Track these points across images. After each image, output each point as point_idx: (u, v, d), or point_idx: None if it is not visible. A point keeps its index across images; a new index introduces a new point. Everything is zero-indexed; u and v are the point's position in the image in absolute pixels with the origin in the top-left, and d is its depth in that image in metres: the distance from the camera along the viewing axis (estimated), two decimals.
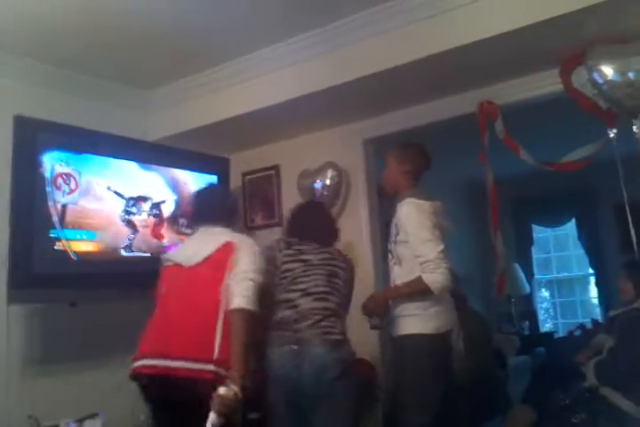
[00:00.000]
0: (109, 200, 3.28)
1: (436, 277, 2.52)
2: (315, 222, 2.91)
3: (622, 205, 3.11)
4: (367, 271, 3.72)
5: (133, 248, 3.36)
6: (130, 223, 3.37)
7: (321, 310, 2.60)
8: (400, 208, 2.71)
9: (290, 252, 2.72)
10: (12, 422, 2.93)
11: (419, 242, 2.58)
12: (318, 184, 3.88)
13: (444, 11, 2.85)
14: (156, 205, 3.52)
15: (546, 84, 3.16)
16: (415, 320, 2.59)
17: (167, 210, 3.56)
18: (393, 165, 2.88)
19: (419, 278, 2.53)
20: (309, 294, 2.62)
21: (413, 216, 2.65)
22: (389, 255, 2.79)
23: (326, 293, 2.66)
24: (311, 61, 3.30)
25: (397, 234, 2.70)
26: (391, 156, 2.90)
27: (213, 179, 3.81)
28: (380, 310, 2.73)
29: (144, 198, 3.46)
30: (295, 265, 2.69)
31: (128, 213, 3.35)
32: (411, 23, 2.95)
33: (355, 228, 3.79)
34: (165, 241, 3.52)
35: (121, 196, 3.33)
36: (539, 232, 7.18)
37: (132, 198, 3.39)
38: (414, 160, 2.85)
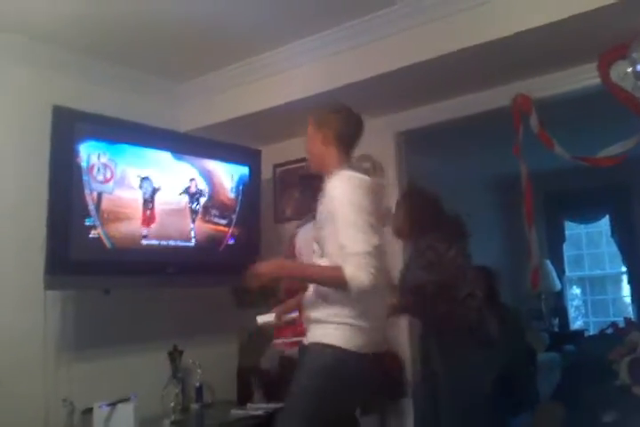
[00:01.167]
0: (139, 190, 3.33)
1: (360, 276, 1.98)
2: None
3: None
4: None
5: (165, 237, 3.40)
6: (164, 212, 3.42)
7: None
8: (328, 183, 2.19)
9: None
10: (47, 405, 3.00)
11: (346, 227, 2.05)
12: None
13: (479, 3, 2.82)
14: (192, 196, 3.56)
15: (582, 78, 3.12)
16: (342, 330, 2.11)
17: (201, 200, 3.60)
18: (313, 132, 2.34)
19: (339, 268, 2.00)
20: None
21: (344, 192, 2.12)
22: (314, 246, 2.28)
23: None
24: (340, 55, 3.30)
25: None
26: (312, 120, 2.37)
27: (245, 170, 3.84)
28: (264, 282, 2.17)
29: (183, 189, 3.52)
30: None
31: (153, 202, 3.38)
32: (445, 16, 2.92)
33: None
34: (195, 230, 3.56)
35: (150, 185, 3.37)
36: (571, 229, 7.09)
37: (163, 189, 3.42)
38: (342, 124, 2.30)
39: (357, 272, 1.98)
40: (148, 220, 3.32)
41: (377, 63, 3.17)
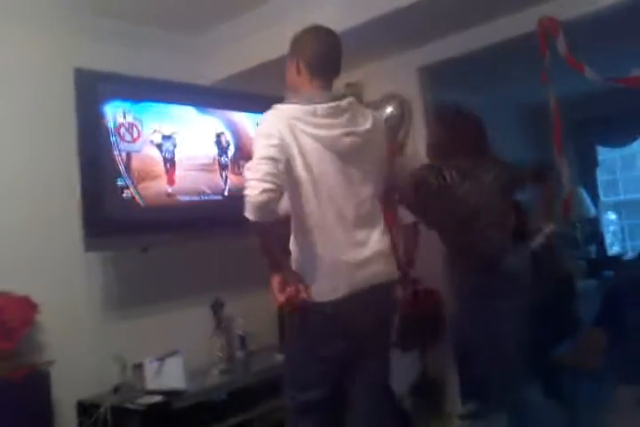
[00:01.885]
0: (170, 147, 3.32)
1: (247, 195, 1.85)
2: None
3: None
4: None
5: (196, 192, 3.41)
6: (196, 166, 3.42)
7: None
8: None
9: None
10: (100, 362, 3.10)
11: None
12: (385, 115, 3.77)
13: None
14: (221, 149, 3.55)
15: None
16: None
17: (229, 152, 3.59)
18: (288, 61, 2.20)
19: None
20: None
21: (259, 128, 2.06)
22: None
23: None
24: None
25: None
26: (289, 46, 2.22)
27: None
28: (292, 304, 2.12)
29: (212, 143, 3.51)
30: None
31: (173, 160, 3.35)
32: None
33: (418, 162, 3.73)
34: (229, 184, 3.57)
35: (172, 143, 3.35)
36: (603, 154, 6.93)
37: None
38: (310, 46, 2.12)
39: (245, 193, 1.86)
40: (171, 178, 3.31)
41: None
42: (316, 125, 2.01)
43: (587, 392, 3.51)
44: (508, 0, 3.13)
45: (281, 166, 1.92)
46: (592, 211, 6.55)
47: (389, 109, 3.76)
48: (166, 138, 3.30)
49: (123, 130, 3.11)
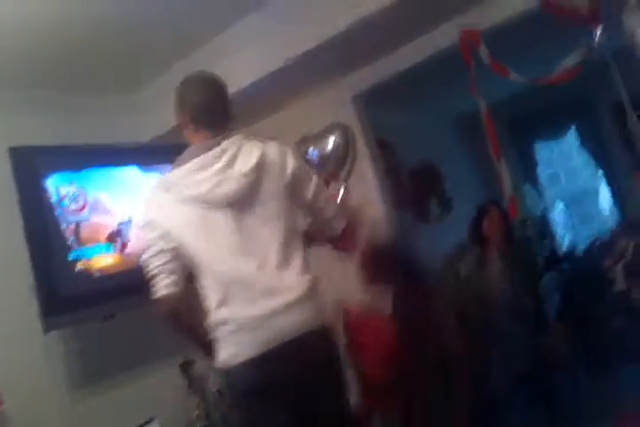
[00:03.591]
0: (118, 211, 3.26)
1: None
2: None
3: (619, 103, 3.05)
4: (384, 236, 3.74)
5: None
6: None
7: None
8: None
9: None
10: None
11: None
12: (328, 147, 3.82)
13: None
14: None
15: (521, 1, 3.09)
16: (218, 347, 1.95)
17: None
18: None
19: None
20: None
21: (141, 216, 2.05)
22: None
23: None
24: (281, 30, 3.22)
25: None
26: None
27: None
28: None
29: None
30: None
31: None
32: None
33: (364, 188, 3.79)
34: None
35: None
36: (541, 149, 7.14)
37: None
38: (184, 98, 2.06)
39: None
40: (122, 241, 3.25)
41: (316, 32, 3.11)
42: (187, 187, 1.93)
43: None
44: (426, 17, 3.20)
45: (170, 254, 1.94)
46: (539, 207, 6.72)
47: (333, 139, 3.80)
48: (115, 202, 3.25)
49: (67, 201, 3.04)
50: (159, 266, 1.93)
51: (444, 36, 3.33)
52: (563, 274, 5.67)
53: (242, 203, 1.93)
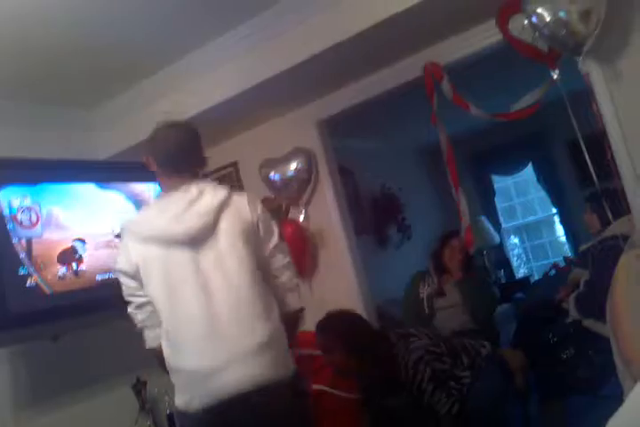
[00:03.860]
0: (73, 227, 3.20)
1: None
2: None
3: (574, 142, 3.14)
4: (344, 262, 3.79)
5: (104, 270, 3.25)
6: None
7: None
8: None
9: None
10: None
11: None
12: (290, 172, 3.83)
13: None
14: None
15: (485, 36, 3.16)
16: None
17: None
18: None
19: None
20: None
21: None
22: None
23: None
24: (249, 54, 3.27)
25: None
26: None
27: None
28: None
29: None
30: None
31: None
32: (341, 0, 2.95)
33: (324, 214, 3.82)
34: None
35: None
36: (499, 182, 7.31)
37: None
38: (155, 146, 2.14)
39: None
40: (77, 259, 3.18)
41: (286, 56, 3.15)
42: (150, 226, 2.01)
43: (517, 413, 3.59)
44: (393, 49, 3.27)
45: (151, 307, 2.00)
46: (496, 238, 6.84)
47: (295, 164, 3.81)
48: (70, 219, 3.18)
49: (20, 215, 2.96)
50: (144, 320, 2.04)
51: (409, 69, 3.38)
52: (517, 304, 5.78)
53: (200, 242, 1.94)
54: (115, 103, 3.72)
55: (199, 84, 3.45)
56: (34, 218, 3.03)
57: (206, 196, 1.98)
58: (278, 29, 3.14)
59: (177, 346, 1.92)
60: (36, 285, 2.97)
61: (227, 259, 1.94)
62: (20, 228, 2.96)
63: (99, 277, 3.23)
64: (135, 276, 1.99)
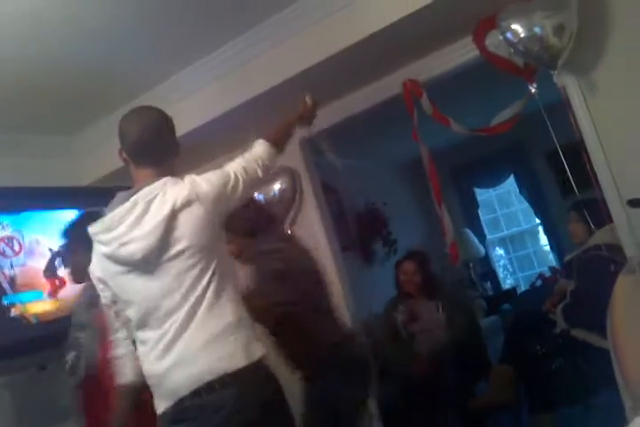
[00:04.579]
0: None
1: None
2: None
3: (554, 152, 3.18)
4: (331, 279, 3.74)
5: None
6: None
7: None
8: None
9: None
10: None
11: None
12: (274, 191, 3.83)
13: (348, 4, 2.89)
14: None
15: (463, 52, 3.21)
16: None
17: None
18: None
19: None
20: None
21: None
22: None
23: None
24: (229, 76, 3.30)
25: None
26: None
27: None
28: None
29: None
30: None
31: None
32: (318, 21, 2.99)
33: (309, 232, 3.80)
34: None
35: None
36: (482, 194, 7.36)
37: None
38: (123, 133, 1.97)
39: None
40: (62, 286, 3.15)
41: (266, 77, 3.19)
42: (102, 243, 1.92)
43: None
44: (372, 68, 3.30)
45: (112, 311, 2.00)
46: (481, 250, 6.87)
47: (279, 184, 3.82)
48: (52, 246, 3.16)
49: (2, 245, 2.96)
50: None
51: (389, 86, 3.42)
52: (505, 315, 5.79)
53: (153, 258, 1.84)
54: (96, 128, 3.71)
55: (180, 108, 3.43)
56: (16, 247, 3.02)
57: (155, 207, 1.84)
58: (258, 51, 3.17)
59: (143, 355, 1.95)
60: (20, 313, 2.95)
61: (181, 266, 1.86)
62: (3, 257, 2.94)
63: None
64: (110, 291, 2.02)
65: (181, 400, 1.81)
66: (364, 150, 5.36)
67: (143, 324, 1.89)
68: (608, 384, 1.88)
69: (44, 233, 3.16)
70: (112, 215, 1.88)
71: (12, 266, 2.97)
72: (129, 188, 1.94)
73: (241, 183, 1.96)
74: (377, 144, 5.35)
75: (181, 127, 3.42)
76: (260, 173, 2.04)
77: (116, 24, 2.73)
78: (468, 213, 7.18)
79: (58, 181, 3.40)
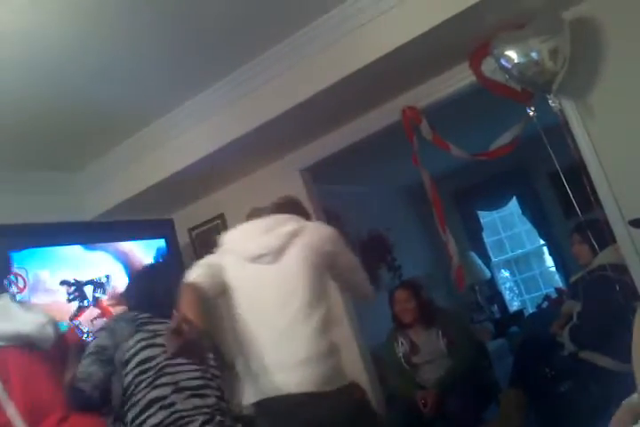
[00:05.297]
0: (59, 291, 3.20)
1: None
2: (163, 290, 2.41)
3: (556, 173, 3.18)
4: (337, 309, 3.72)
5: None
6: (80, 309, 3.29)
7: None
8: None
9: (144, 335, 2.28)
10: None
11: None
12: None
13: (346, 32, 2.93)
14: (99, 285, 3.43)
15: (461, 78, 3.23)
16: None
17: (118, 284, 3.44)
18: None
19: None
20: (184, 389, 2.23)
21: None
22: None
23: (203, 386, 2.29)
24: (229, 108, 3.34)
25: None
26: None
27: (161, 242, 3.76)
28: None
29: (85, 283, 3.38)
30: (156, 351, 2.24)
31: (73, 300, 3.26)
32: (317, 53, 3.04)
33: None
34: None
35: (68, 283, 3.25)
36: (485, 217, 7.35)
37: (73, 284, 3.29)
38: None
39: None
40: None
41: (264, 110, 3.22)
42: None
43: None
44: (371, 96, 3.33)
45: None
46: (486, 273, 6.83)
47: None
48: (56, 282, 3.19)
49: (7, 282, 2.96)
50: None
51: (388, 114, 3.44)
52: (512, 338, 5.74)
53: (272, 259, 2.21)
54: (99, 164, 3.75)
55: (182, 140, 3.50)
56: (21, 284, 3.03)
57: (280, 224, 2.34)
58: (256, 84, 3.20)
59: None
60: None
61: (292, 276, 2.23)
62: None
63: (86, 339, 3.16)
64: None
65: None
66: (364, 175, 5.38)
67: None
68: (618, 406, 1.86)
69: (48, 269, 3.17)
70: (250, 226, 2.48)
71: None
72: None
73: None
74: (378, 169, 5.37)
75: (184, 159, 3.50)
76: None
77: (118, 60, 2.77)
78: (473, 236, 7.15)
79: (61, 217, 3.42)
